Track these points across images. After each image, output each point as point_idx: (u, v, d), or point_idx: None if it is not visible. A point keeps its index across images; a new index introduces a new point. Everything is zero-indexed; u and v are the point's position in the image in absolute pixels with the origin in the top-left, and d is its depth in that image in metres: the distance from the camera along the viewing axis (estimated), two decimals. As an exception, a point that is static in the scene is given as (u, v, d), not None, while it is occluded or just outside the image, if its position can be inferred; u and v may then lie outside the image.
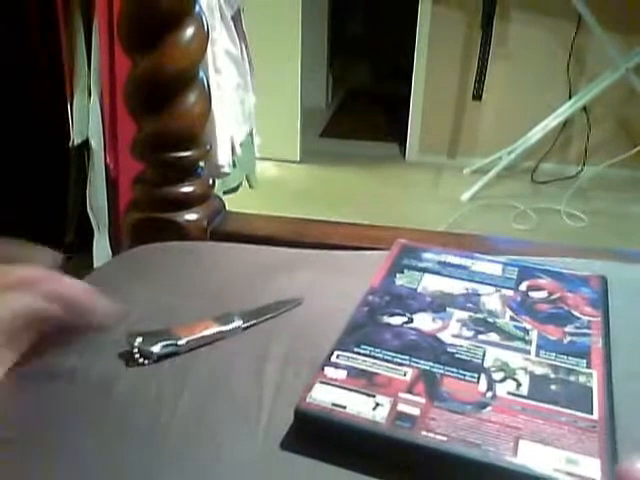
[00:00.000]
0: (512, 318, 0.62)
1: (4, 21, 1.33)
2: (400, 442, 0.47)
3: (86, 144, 1.43)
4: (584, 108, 2.65)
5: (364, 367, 0.54)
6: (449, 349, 0.57)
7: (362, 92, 3.95)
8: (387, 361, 0.55)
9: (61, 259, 0.60)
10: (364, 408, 0.49)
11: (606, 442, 0.47)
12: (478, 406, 0.50)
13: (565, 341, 0.59)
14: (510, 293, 0.66)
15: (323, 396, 0.50)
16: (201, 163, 0.94)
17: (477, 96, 2.81)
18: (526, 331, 0.60)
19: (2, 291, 0.50)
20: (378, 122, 3.50)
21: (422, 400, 0.50)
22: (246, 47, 1.58)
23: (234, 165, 1.55)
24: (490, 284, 0.68)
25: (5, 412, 0.54)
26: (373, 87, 3.98)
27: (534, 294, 0.66)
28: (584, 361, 0.56)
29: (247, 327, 0.63)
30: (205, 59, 1.19)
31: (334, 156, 3.08)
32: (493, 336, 0.59)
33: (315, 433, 0.50)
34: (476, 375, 0.53)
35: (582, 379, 0.54)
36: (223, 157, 1.45)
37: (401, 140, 3.08)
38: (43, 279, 0.53)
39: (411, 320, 0.61)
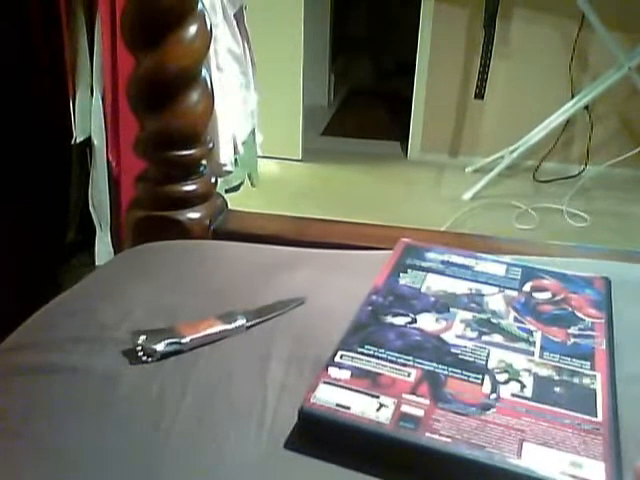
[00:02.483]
0: (516, 319, 0.62)
1: (6, 18, 1.33)
2: (404, 443, 0.47)
3: (88, 142, 1.42)
4: (586, 107, 2.64)
5: (368, 367, 0.54)
6: (453, 350, 0.57)
7: (364, 91, 3.93)
8: (391, 362, 0.55)
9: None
10: (368, 409, 0.49)
11: (610, 445, 0.47)
12: (482, 408, 0.50)
13: (569, 343, 0.59)
14: (514, 294, 0.66)
15: (327, 396, 0.50)
16: (203, 161, 0.94)
17: (479, 95, 2.79)
18: (530, 332, 0.60)
19: None
20: (380, 121, 3.49)
21: (426, 401, 0.50)
22: (248, 45, 1.58)
23: (236, 163, 1.55)
24: (494, 284, 0.68)
25: (5, 406, 0.54)
26: (375, 86, 3.97)
27: (538, 295, 0.66)
28: (588, 363, 0.56)
29: (250, 326, 0.63)
30: (207, 57, 1.19)
31: (336, 155, 3.07)
32: (497, 337, 0.59)
33: (319, 433, 0.49)
34: (480, 376, 0.53)
35: (586, 381, 0.53)
36: (225, 155, 1.45)
37: (403, 139, 3.08)
38: None
39: (415, 320, 0.61)
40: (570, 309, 0.64)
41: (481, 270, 0.71)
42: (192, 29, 0.83)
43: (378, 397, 0.50)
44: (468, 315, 0.62)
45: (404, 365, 0.54)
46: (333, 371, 0.53)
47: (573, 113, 2.63)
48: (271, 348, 0.60)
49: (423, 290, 0.67)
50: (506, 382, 0.53)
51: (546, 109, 2.66)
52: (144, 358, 0.58)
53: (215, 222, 0.94)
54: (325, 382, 0.52)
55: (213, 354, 0.59)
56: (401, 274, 0.69)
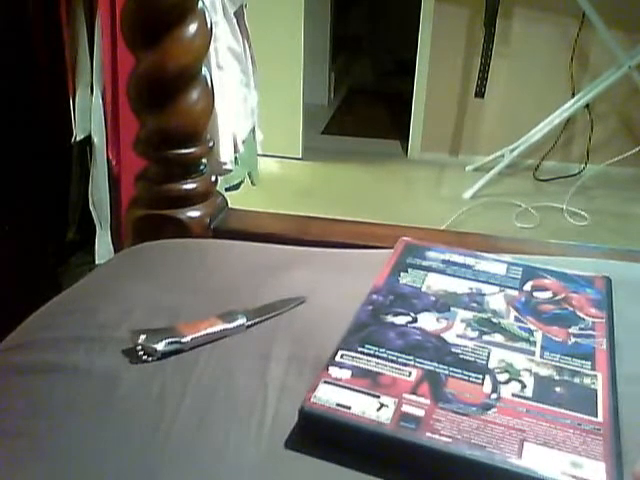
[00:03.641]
0: (517, 319, 0.62)
1: (6, 18, 1.33)
2: (404, 443, 0.47)
3: (88, 140, 1.42)
4: (587, 106, 2.64)
5: (368, 367, 0.54)
6: (453, 349, 0.57)
7: (364, 89, 3.93)
8: (391, 361, 0.55)
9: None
10: (369, 409, 0.49)
11: (611, 445, 0.47)
12: (483, 408, 0.50)
13: (570, 342, 0.59)
14: (514, 293, 0.66)
15: (328, 396, 0.50)
16: (204, 160, 0.94)
17: (479, 94, 2.79)
18: (531, 332, 0.60)
19: None
20: (380, 119, 3.49)
21: (427, 401, 0.50)
22: (249, 43, 1.58)
23: (236, 162, 1.55)
24: (494, 284, 0.68)
25: (5, 406, 0.53)
26: (375, 84, 3.96)
27: (538, 294, 0.66)
28: (589, 363, 0.56)
29: (251, 325, 0.63)
30: (207, 56, 1.19)
31: (336, 153, 3.06)
32: (498, 337, 0.59)
33: (319, 433, 0.49)
34: (481, 376, 0.53)
35: (587, 381, 0.53)
36: (225, 154, 1.44)
37: (403, 138, 3.07)
38: None
39: (415, 320, 0.61)
40: (571, 309, 0.64)
41: (482, 269, 0.71)
42: (192, 27, 0.83)
43: (379, 397, 0.50)
44: (469, 314, 0.62)
45: (405, 365, 0.54)
46: (334, 371, 0.53)
47: (573, 112, 2.63)
48: (271, 347, 0.60)
49: (424, 289, 0.67)
50: (507, 382, 0.53)
51: (546, 108, 2.66)
52: (144, 357, 0.58)
53: (215, 221, 0.94)
54: (325, 382, 0.52)
55: (213, 353, 0.59)
56: (402, 273, 0.69)
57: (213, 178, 0.96)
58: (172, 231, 0.89)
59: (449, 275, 0.69)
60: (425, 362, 0.55)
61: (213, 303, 0.66)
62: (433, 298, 0.65)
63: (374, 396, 0.50)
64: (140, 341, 0.58)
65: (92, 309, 0.66)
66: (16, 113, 1.36)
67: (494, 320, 0.61)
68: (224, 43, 1.43)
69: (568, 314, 0.63)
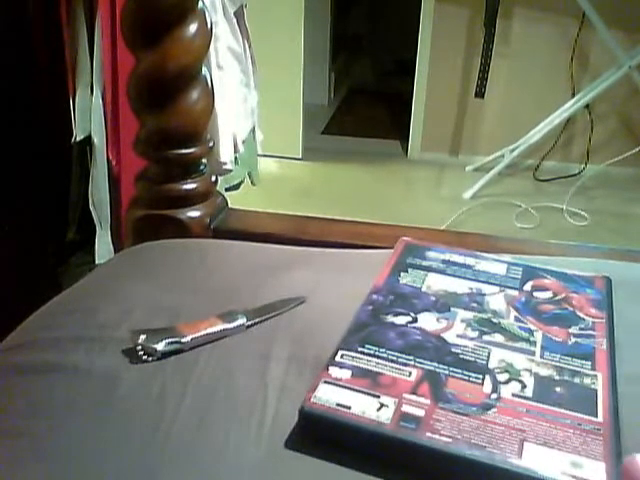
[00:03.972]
0: (517, 319, 0.62)
1: (6, 18, 1.33)
2: (405, 443, 0.47)
3: (88, 141, 1.43)
4: (587, 106, 2.64)
5: (369, 367, 0.54)
6: (454, 349, 0.57)
7: (364, 89, 3.93)
8: (392, 361, 0.55)
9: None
10: (369, 409, 0.49)
11: (611, 445, 0.47)
12: (483, 408, 0.50)
13: (570, 342, 0.59)
14: (515, 293, 0.66)
15: (328, 396, 0.50)
16: (204, 160, 0.94)
17: (480, 94, 2.79)
18: (531, 332, 0.60)
19: None
20: (380, 119, 3.49)
21: (427, 401, 0.50)
22: (249, 44, 1.58)
23: (236, 162, 1.55)
24: (494, 284, 0.68)
25: (5, 406, 0.53)
26: (375, 84, 3.96)
27: (539, 294, 0.66)
28: (589, 363, 0.56)
29: (251, 325, 0.63)
30: (208, 56, 1.19)
31: (336, 153, 3.06)
32: (498, 337, 0.59)
33: (320, 433, 0.49)
34: (481, 376, 0.53)
35: (587, 381, 0.53)
36: (225, 154, 1.44)
37: (403, 138, 3.07)
38: None
39: (415, 320, 0.61)
40: (571, 309, 0.64)
41: (482, 269, 0.71)
42: (192, 27, 0.83)
43: (379, 397, 0.50)
44: (469, 314, 0.62)
45: (405, 365, 0.54)
46: (334, 370, 0.53)
47: (573, 112, 2.63)
48: (271, 347, 0.60)
49: (424, 289, 0.67)
50: (507, 382, 0.53)
51: (546, 108, 2.66)
52: (144, 357, 0.58)
53: (215, 221, 0.94)
54: (326, 382, 0.52)
55: (213, 353, 0.59)
56: (402, 273, 0.69)
57: (213, 178, 0.96)
58: (172, 231, 0.89)
59: (449, 275, 0.69)
60: (425, 362, 0.55)
61: (213, 303, 0.66)
62: (433, 298, 0.65)
63: (374, 396, 0.50)
64: (140, 341, 0.58)
65: (92, 309, 0.66)
66: (16, 113, 1.36)
67: (494, 320, 0.61)
68: (224, 43, 1.43)
69: (568, 314, 0.63)
